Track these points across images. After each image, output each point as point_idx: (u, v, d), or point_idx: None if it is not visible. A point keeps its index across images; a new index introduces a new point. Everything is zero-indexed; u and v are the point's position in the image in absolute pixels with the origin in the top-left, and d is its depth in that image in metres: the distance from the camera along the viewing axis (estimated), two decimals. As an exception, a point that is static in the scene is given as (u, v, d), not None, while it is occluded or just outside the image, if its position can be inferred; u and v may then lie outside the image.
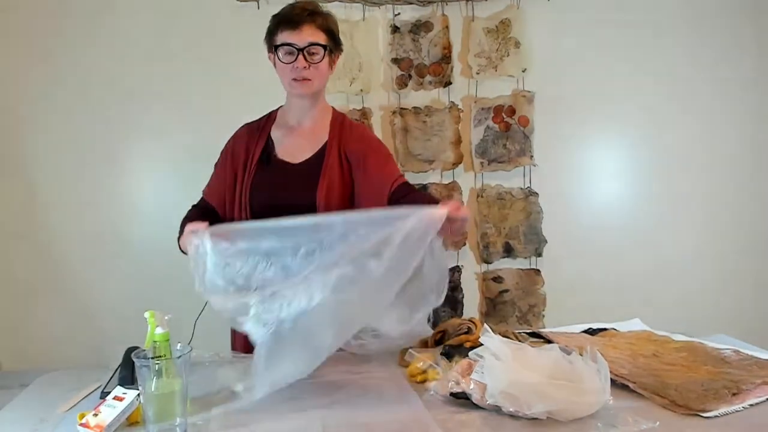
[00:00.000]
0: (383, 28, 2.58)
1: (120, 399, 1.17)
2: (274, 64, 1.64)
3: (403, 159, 2.58)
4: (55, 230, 2.46)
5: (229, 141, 1.76)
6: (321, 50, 1.60)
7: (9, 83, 2.42)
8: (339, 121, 1.74)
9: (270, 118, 1.75)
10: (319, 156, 1.67)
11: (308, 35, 1.58)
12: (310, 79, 1.60)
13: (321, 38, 1.60)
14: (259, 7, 2.37)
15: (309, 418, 1.21)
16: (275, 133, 1.71)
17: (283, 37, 1.59)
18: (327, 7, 2.47)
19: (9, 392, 1.45)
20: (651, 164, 2.75)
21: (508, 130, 2.63)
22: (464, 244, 2.65)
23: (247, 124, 1.76)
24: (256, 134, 1.71)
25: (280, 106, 1.75)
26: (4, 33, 2.41)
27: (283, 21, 1.60)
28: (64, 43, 2.43)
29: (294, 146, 1.69)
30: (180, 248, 1.53)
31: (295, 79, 1.60)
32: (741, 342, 1.59)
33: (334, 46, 1.65)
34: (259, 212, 1.57)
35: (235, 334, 1.67)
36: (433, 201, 1.57)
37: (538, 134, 2.64)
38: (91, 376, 1.44)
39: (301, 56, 1.57)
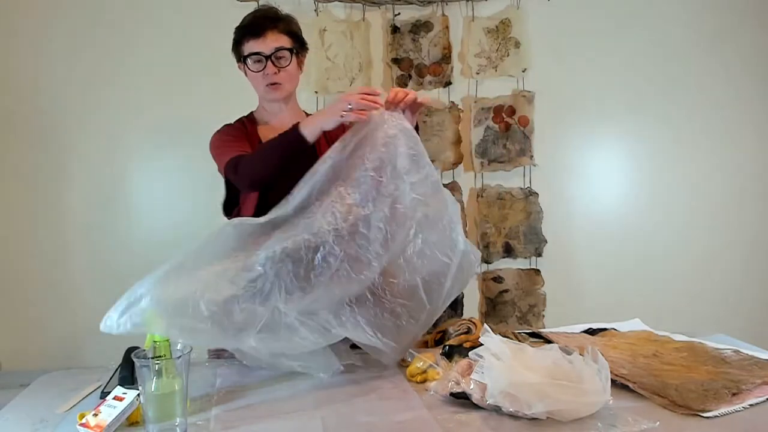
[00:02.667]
0: (383, 28, 2.58)
1: (120, 399, 1.17)
2: (245, 73, 1.68)
3: (403, 159, 2.57)
4: (55, 230, 2.46)
5: (225, 129, 1.71)
6: (287, 54, 1.64)
7: (7, 81, 2.42)
8: None
9: (250, 120, 1.75)
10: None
11: (273, 41, 1.62)
12: (281, 83, 1.65)
13: (286, 42, 1.64)
14: (258, 7, 2.37)
15: (309, 418, 1.21)
16: (260, 131, 1.72)
17: (249, 46, 1.63)
18: (327, 7, 2.53)
19: (9, 392, 1.44)
20: (651, 164, 2.74)
21: (508, 130, 2.63)
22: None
23: (229, 125, 1.75)
24: (244, 131, 1.71)
25: (251, 112, 1.77)
26: (11, 33, 2.41)
27: (247, 31, 1.64)
28: (61, 42, 2.43)
29: None
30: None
31: (267, 85, 1.65)
32: (741, 342, 1.59)
33: (299, 47, 1.69)
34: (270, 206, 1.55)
35: None
36: None
37: (538, 134, 2.64)
38: (91, 376, 1.45)
39: (269, 63, 1.62)
